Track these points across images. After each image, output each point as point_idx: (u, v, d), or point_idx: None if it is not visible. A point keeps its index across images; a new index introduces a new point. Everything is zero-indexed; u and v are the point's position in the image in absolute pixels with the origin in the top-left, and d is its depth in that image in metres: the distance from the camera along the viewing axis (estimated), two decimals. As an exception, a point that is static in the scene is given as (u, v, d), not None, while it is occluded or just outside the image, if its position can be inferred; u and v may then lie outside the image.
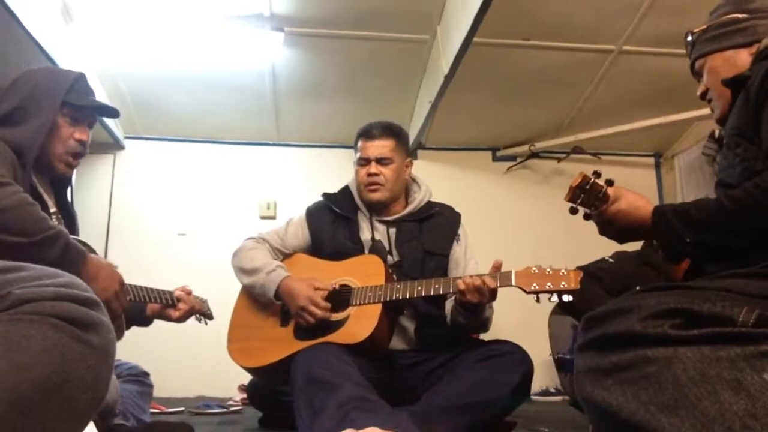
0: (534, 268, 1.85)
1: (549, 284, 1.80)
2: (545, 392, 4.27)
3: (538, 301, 1.85)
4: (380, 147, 2.27)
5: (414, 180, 2.40)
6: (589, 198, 1.36)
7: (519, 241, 4.97)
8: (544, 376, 4.24)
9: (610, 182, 1.36)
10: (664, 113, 4.57)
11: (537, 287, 1.81)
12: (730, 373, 0.80)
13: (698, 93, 1.54)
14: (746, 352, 0.81)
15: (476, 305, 1.93)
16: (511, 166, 5.38)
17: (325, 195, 2.39)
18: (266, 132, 5.13)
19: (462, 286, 1.87)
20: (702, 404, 0.79)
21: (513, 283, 1.85)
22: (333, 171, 4.72)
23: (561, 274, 1.81)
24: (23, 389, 0.68)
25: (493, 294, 1.90)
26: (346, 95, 4.64)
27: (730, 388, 0.78)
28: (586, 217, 1.40)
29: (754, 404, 0.76)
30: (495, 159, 5.42)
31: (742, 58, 1.39)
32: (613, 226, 1.36)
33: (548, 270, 1.83)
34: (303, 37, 3.97)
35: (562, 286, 1.78)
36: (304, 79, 4.44)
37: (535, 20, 3.76)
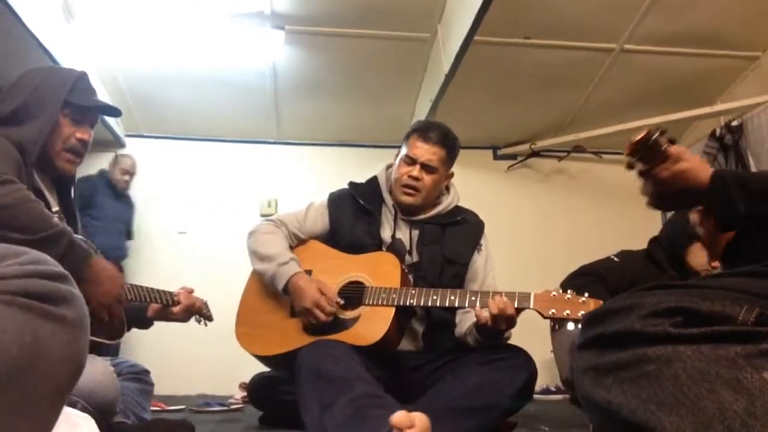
0: (554, 292, 1.80)
1: (567, 311, 1.75)
2: (546, 391, 4.27)
3: (553, 327, 1.82)
4: (431, 153, 2.16)
5: (446, 185, 2.34)
6: (648, 154, 1.30)
7: (519, 240, 4.97)
8: (545, 375, 4.23)
9: (672, 141, 1.31)
10: (665, 112, 4.58)
11: (555, 313, 1.76)
12: (729, 371, 0.79)
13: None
14: (746, 350, 0.81)
15: (499, 334, 1.92)
16: (512, 165, 5.38)
17: (352, 184, 2.33)
18: (267, 130, 5.13)
19: (495, 311, 1.80)
20: (702, 403, 0.79)
21: (531, 306, 1.81)
22: (334, 169, 4.73)
23: (581, 302, 1.76)
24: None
25: (513, 321, 1.87)
26: (347, 93, 4.65)
27: (729, 387, 0.78)
28: (641, 173, 1.35)
29: (754, 403, 0.76)
30: (496, 158, 5.43)
31: None
32: (666, 186, 1.30)
33: (568, 296, 1.79)
34: (304, 36, 3.97)
35: (580, 315, 1.73)
36: (305, 77, 4.44)
37: (536, 19, 3.76)
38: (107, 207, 4.43)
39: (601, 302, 1.76)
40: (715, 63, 4.23)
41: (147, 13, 3.75)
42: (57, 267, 0.81)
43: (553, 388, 4.27)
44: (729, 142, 4.38)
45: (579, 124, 4.95)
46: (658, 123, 4.65)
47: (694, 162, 1.27)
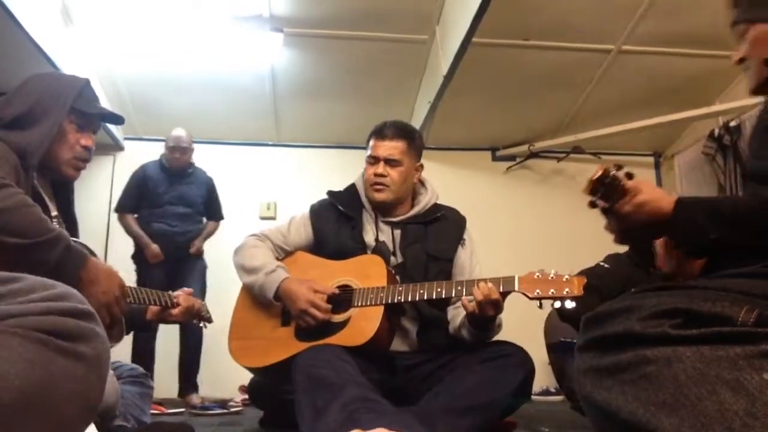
0: (537, 273, 1.82)
1: (552, 290, 1.77)
2: (545, 392, 4.27)
3: (540, 307, 1.83)
4: (391, 148, 2.23)
5: (422, 183, 2.38)
6: (608, 191, 1.31)
7: (518, 241, 4.97)
8: (544, 376, 4.22)
9: (630, 175, 1.30)
10: (663, 113, 4.58)
11: (540, 293, 1.78)
12: (729, 372, 0.79)
13: (735, 59, 1.44)
14: (746, 351, 0.81)
15: (489, 321, 1.92)
16: (511, 166, 5.38)
17: (330, 193, 2.37)
18: (266, 133, 5.14)
19: (480, 297, 1.83)
20: (702, 404, 0.79)
21: (516, 288, 1.83)
22: (333, 171, 4.72)
23: (564, 280, 1.78)
24: (5, 399, 0.69)
25: (500, 305, 1.89)
26: (346, 96, 4.65)
27: (729, 388, 0.78)
28: (604, 211, 1.36)
29: (754, 404, 0.76)
30: (494, 159, 5.43)
31: None
32: (628, 221, 1.31)
33: (552, 275, 1.80)
34: (302, 38, 3.97)
35: (565, 293, 1.75)
36: (304, 79, 4.44)
37: (534, 20, 3.76)
38: (161, 191, 4.10)
39: (585, 280, 1.78)
40: (713, 63, 4.24)
41: (146, 17, 3.76)
42: (81, 304, 0.82)
43: (552, 389, 4.26)
44: (727, 142, 4.39)
45: (577, 125, 4.96)
46: (657, 123, 4.67)
47: (653, 193, 1.27)
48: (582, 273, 2.47)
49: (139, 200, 4.12)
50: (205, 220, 4.30)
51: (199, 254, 4.19)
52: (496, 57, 4.09)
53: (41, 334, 0.74)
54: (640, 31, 3.85)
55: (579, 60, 4.16)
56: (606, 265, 2.52)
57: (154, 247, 3.99)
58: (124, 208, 4.12)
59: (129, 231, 4.08)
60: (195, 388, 3.99)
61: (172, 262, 4.08)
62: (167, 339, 3.94)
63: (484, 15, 3.23)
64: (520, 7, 3.64)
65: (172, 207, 4.10)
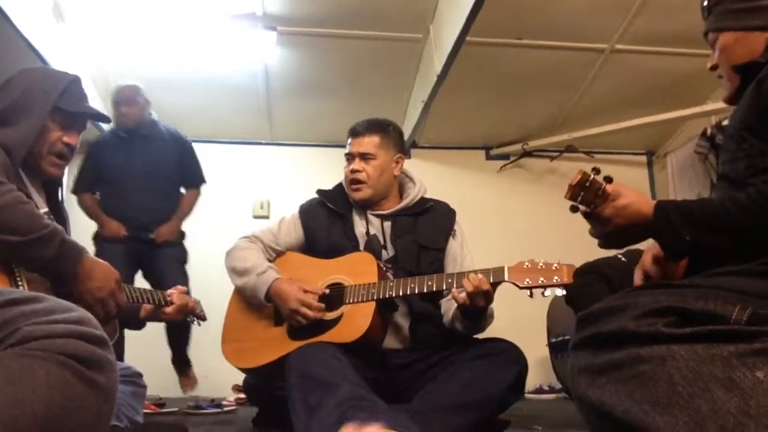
0: (527, 263, 1.85)
1: (542, 279, 1.80)
2: (539, 390, 4.28)
3: (531, 296, 1.85)
4: (364, 143, 2.26)
5: (409, 177, 2.39)
6: (588, 196, 1.33)
7: (511, 240, 4.97)
8: (537, 375, 4.24)
9: (608, 179, 1.32)
10: (656, 111, 4.60)
11: (530, 282, 1.81)
12: (723, 371, 0.80)
13: (708, 65, 1.47)
14: (739, 349, 0.81)
15: (480, 312, 1.93)
16: (504, 165, 5.39)
17: (320, 192, 2.38)
18: (259, 131, 5.12)
19: (470, 288, 1.84)
20: (695, 402, 0.79)
21: (506, 278, 1.85)
22: (326, 170, 4.69)
23: (554, 268, 1.81)
24: (21, 425, 0.69)
25: (490, 296, 1.89)
26: (339, 94, 4.64)
27: (723, 386, 0.79)
28: (586, 215, 1.38)
29: (747, 402, 0.76)
30: (488, 158, 5.43)
31: (757, 42, 1.31)
32: (610, 224, 1.32)
33: (541, 264, 1.83)
34: (296, 36, 3.96)
35: (555, 281, 1.79)
36: (297, 78, 4.43)
37: (528, 19, 3.76)
38: (118, 163, 3.47)
39: (574, 267, 1.80)
40: (706, 63, 4.25)
41: (138, 15, 3.74)
42: (99, 330, 0.83)
43: (546, 388, 4.27)
44: (720, 141, 4.40)
45: (571, 124, 4.97)
46: (650, 122, 4.68)
47: (634, 197, 1.29)
48: (594, 262, 2.47)
49: (94, 176, 3.56)
50: (183, 191, 3.74)
51: (170, 241, 3.61)
52: (489, 56, 4.09)
53: (63, 357, 0.76)
54: (633, 30, 3.86)
55: (572, 59, 4.16)
56: (624, 259, 2.49)
57: (114, 224, 3.46)
58: (78, 186, 3.56)
59: (87, 212, 3.57)
60: (188, 362, 3.83)
61: (136, 246, 3.53)
62: (161, 338, 3.92)
63: (477, 14, 3.23)
64: (514, 6, 3.64)
65: (133, 179, 3.48)
